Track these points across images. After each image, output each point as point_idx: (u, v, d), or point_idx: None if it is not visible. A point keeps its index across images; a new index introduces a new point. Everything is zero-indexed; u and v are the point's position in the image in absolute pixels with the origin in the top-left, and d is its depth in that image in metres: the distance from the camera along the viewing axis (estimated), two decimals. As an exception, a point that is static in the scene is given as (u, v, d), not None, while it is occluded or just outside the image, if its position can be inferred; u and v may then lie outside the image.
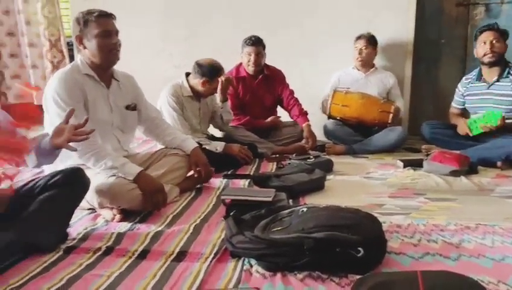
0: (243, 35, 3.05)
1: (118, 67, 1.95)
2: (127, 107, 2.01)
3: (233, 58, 3.09)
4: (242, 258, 1.37)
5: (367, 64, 3.27)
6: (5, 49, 4.11)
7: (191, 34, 3.67)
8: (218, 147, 2.59)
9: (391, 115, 3.00)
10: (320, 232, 1.29)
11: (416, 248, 1.45)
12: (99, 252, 1.43)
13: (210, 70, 2.59)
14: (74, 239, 1.53)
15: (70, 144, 1.42)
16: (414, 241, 1.51)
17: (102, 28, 1.77)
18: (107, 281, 1.25)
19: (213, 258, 1.40)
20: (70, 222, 1.61)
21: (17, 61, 4.15)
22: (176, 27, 3.71)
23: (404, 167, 2.57)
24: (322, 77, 3.41)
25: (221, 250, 1.44)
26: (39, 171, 2.16)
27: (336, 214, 1.41)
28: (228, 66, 3.00)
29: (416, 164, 2.56)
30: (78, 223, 1.69)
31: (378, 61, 3.37)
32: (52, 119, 1.75)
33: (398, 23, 3.43)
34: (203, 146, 2.47)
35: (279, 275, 1.27)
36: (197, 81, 2.61)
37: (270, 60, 3.13)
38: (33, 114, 1.41)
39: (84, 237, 1.55)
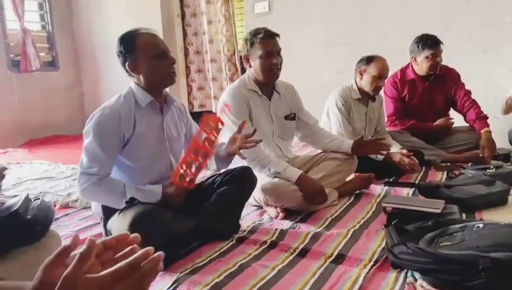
0: (409, 36, 2.87)
1: (283, 75, 2.08)
2: (286, 117, 2.13)
3: (399, 60, 2.93)
4: (405, 270, 1.31)
5: None
6: (193, 66, 4.87)
7: (353, 39, 3.66)
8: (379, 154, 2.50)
9: None
10: (500, 252, 1.13)
11: None
12: (265, 245, 1.57)
13: (368, 58, 2.52)
14: (244, 231, 1.71)
15: (241, 151, 1.61)
16: None
17: (265, 49, 1.92)
18: (271, 273, 1.36)
19: (372, 265, 1.37)
20: (241, 215, 1.81)
21: (202, 76, 4.86)
22: (339, 33, 3.75)
23: None
24: (508, 74, 2.93)
25: (382, 259, 1.40)
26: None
27: (523, 234, 1.21)
28: (393, 69, 2.88)
29: None
30: (248, 217, 1.88)
31: None
32: (224, 129, 1.99)
33: None
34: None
35: (447, 293, 1.16)
36: (367, 78, 2.51)
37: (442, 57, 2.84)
38: (216, 123, 1.64)
39: (253, 230, 1.72)
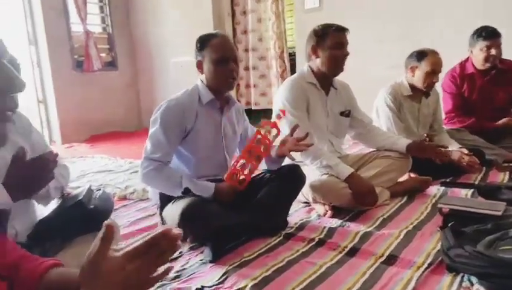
0: (469, 29, 2.70)
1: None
2: (342, 113, 2.11)
3: (454, 54, 2.76)
4: (461, 274, 1.25)
5: None
6: (242, 64, 4.92)
7: (408, 32, 3.52)
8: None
9: None
10: None
11: None
12: (313, 243, 1.56)
13: (420, 54, 2.40)
14: (292, 227, 1.72)
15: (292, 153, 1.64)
16: None
17: (337, 39, 1.93)
18: (319, 270, 1.35)
19: (426, 268, 1.32)
20: (289, 212, 1.81)
21: (249, 73, 4.91)
22: (392, 27, 3.63)
23: None
24: None
25: (436, 261, 1.35)
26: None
27: None
28: (449, 64, 2.73)
29: None
30: (295, 214, 1.88)
31: None
32: (282, 121, 2.00)
33: None
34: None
35: (508, 300, 1.09)
36: (420, 74, 2.40)
37: (505, 54, 2.65)
38: (272, 128, 1.67)
39: (301, 227, 1.72)
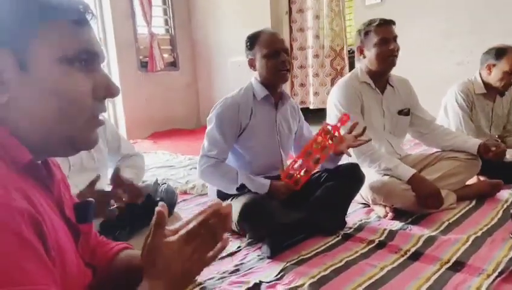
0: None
1: (397, 69, 1.99)
2: (400, 112, 2.02)
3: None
4: (537, 286, 1.16)
5: None
6: (296, 62, 4.90)
7: (475, 28, 3.29)
8: (509, 155, 2.20)
9: None
10: None
11: None
12: (373, 245, 1.52)
13: (499, 51, 2.22)
14: (351, 228, 1.69)
15: (352, 154, 1.63)
16: None
17: (380, 35, 1.86)
18: (379, 273, 1.32)
19: (497, 276, 1.24)
20: (347, 213, 1.78)
21: (304, 72, 4.87)
22: (460, 21, 3.41)
23: None
24: None
25: (508, 270, 1.26)
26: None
27: None
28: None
29: None
30: (354, 215, 1.84)
31: None
32: (333, 121, 1.97)
33: None
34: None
35: None
36: (497, 73, 2.23)
37: None
38: (334, 131, 1.62)
39: (359, 228, 1.68)
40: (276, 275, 1.34)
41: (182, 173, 2.98)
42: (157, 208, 0.61)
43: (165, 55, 5.25)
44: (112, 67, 4.86)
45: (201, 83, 5.61)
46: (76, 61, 0.57)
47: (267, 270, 1.37)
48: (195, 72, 5.61)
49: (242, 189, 1.59)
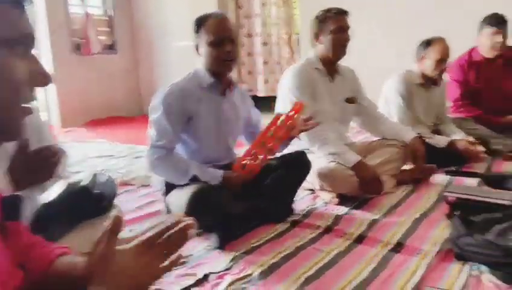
0: (476, 16, 2.66)
1: (343, 60, 2.03)
2: (347, 100, 2.08)
3: (464, 43, 2.72)
4: (469, 263, 1.24)
5: None
6: (244, 48, 4.87)
7: (415, 20, 3.46)
8: (442, 141, 2.36)
9: None
10: None
11: None
12: (320, 230, 1.55)
13: (427, 43, 2.38)
14: (299, 214, 1.71)
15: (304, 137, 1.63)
16: None
17: (338, 24, 1.91)
18: (327, 257, 1.34)
19: (434, 256, 1.31)
20: (295, 199, 1.80)
21: (251, 59, 4.85)
22: (401, 14, 3.57)
23: None
24: None
25: (444, 249, 1.34)
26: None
27: None
28: (459, 53, 2.70)
29: None
30: (301, 201, 1.87)
31: None
32: (286, 106, 1.97)
33: None
34: (425, 140, 2.29)
35: (519, 290, 1.09)
36: (429, 62, 2.38)
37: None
38: (286, 121, 1.61)
39: (307, 214, 1.71)
40: (226, 266, 1.31)
41: (122, 163, 2.83)
42: (113, 213, 0.56)
43: (102, 38, 4.95)
44: (42, 48, 4.48)
45: (143, 68, 5.37)
46: (11, 45, 0.52)
47: (216, 261, 1.35)
48: (136, 56, 5.36)
49: (194, 180, 1.53)
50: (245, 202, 1.58)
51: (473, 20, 2.70)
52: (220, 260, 1.35)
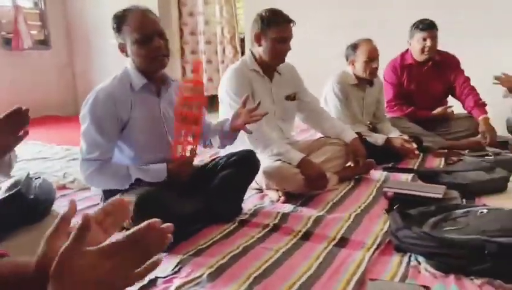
0: (409, 19, 2.84)
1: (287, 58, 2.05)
2: (287, 98, 2.11)
3: (398, 44, 2.90)
4: (408, 254, 1.32)
5: None
6: (188, 47, 4.78)
7: (355, 22, 3.60)
8: (379, 139, 2.49)
9: None
10: (506, 237, 1.14)
11: None
12: (268, 228, 1.56)
13: (353, 46, 2.50)
14: (246, 214, 1.71)
15: (247, 126, 1.59)
16: None
17: (281, 34, 1.90)
18: (275, 255, 1.36)
19: (376, 249, 1.38)
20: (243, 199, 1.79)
21: (195, 58, 4.78)
22: (343, 14, 3.69)
23: None
24: (508, 64, 2.93)
25: (385, 242, 1.41)
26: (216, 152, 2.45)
27: (528, 220, 1.22)
28: (392, 54, 2.86)
29: None
30: (249, 201, 1.87)
31: None
32: (225, 109, 1.97)
33: None
34: (364, 137, 2.41)
35: (452, 277, 1.17)
36: (359, 64, 2.49)
37: (442, 43, 2.82)
38: (196, 84, 1.53)
39: (255, 213, 1.71)
40: (173, 269, 1.28)
41: (58, 166, 2.66)
42: (85, 213, 0.51)
43: (34, 32, 4.61)
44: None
45: (79, 65, 5.08)
46: None
47: (163, 265, 1.29)
48: (72, 52, 5.05)
49: (138, 184, 1.46)
50: (192, 202, 1.55)
51: (407, 23, 2.87)
52: (166, 264, 1.30)
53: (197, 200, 1.57)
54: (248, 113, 1.60)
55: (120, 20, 1.47)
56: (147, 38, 1.44)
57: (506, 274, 1.12)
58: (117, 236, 0.53)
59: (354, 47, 2.50)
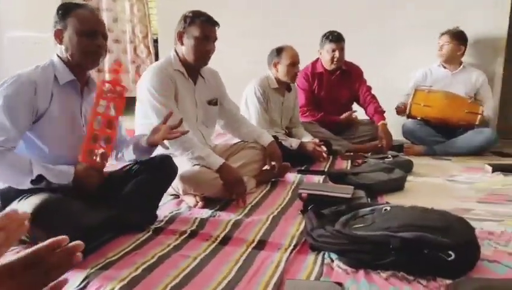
0: (320, 32, 3.01)
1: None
2: (209, 102, 2.09)
3: (310, 54, 3.05)
4: (322, 252, 1.37)
5: (451, 61, 3.08)
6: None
7: (268, 31, 3.71)
8: (294, 143, 2.59)
9: (479, 117, 2.80)
10: (408, 232, 1.24)
11: (512, 257, 1.34)
12: (185, 235, 1.51)
13: (278, 50, 2.59)
14: (162, 221, 1.63)
15: (165, 142, 1.56)
16: (510, 249, 1.40)
17: (204, 32, 1.87)
18: (193, 262, 1.31)
19: (292, 249, 1.41)
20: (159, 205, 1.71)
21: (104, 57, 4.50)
22: (254, 24, 3.77)
23: (493, 171, 2.38)
24: (402, 75, 3.27)
25: (301, 242, 1.45)
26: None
27: (424, 215, 1.35)
28: (305, 62, 3.00)
29: (508, 169, 2.36)
30: (164, 207, 1.79)
31: (466, 58, 3.15)
32: (146, 109, 1.87)
33: (488, 18, 3.18)
34: (279, 140, 2.48)
35: (361, 272, 1.24)
36: (282, 68, 2.57)
37: (347, 57, 3.05)
38: (114, 85, 1.50)
39: (170, 220, 1.65)
40: (79, 285, 1.16)
41: None
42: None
43: None
44: None
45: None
46: None
47: (68, 280, 1.18)
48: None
49: (38, 182, 1.31)
50: (102, 211, 1.43)
51: (318, 33, 3.03)
52: (71, 279, 1.18)
53: (107, 208, 1.45)
54: (168, 129, 1.55)
55: (69, 8, 1.46)
56: (91, 32, 1.44)
57: (408, 266, 1.22)
58: (10, 257, 0.46)
59: (279, 50, 2.58)
